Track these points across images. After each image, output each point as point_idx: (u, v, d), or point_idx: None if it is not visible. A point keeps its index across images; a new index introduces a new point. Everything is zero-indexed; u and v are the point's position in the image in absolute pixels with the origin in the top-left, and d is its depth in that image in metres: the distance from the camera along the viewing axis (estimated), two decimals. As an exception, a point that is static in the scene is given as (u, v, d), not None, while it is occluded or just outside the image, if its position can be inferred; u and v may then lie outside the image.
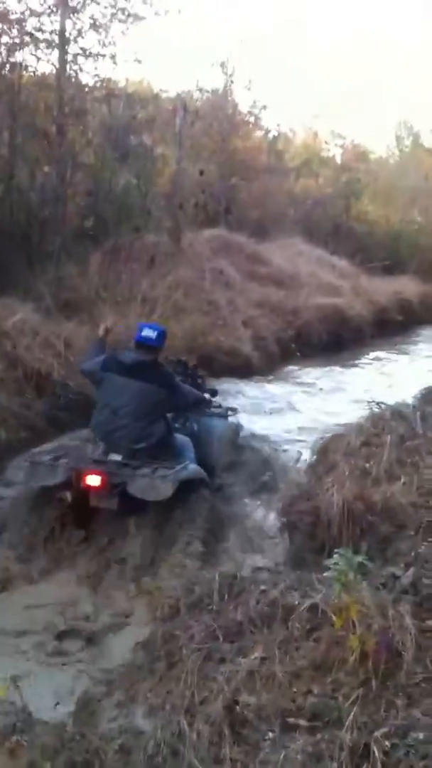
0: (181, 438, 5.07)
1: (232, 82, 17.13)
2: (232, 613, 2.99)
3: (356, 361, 11.01)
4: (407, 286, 15.17)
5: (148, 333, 4.87)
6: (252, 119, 18.65)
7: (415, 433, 5.38)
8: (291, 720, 2.36)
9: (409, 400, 7.19)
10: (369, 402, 6.44)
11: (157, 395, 4.74)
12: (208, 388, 5.85)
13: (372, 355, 11.76)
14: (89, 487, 4.34)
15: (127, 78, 14.16)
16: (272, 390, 8.51)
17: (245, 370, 8.91)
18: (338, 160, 24.39)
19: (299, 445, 6.32)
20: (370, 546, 3.97)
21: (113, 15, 10.65)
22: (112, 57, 10.62)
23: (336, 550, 2.77)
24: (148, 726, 2.54)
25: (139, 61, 11.33)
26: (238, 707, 2.44)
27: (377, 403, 6.37)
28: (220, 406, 5.81)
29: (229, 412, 5.85)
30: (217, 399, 5.83)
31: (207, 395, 5.61)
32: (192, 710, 2.46)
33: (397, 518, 4.05)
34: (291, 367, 10.01)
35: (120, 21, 10.72)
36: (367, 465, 4.63)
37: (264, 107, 18.12)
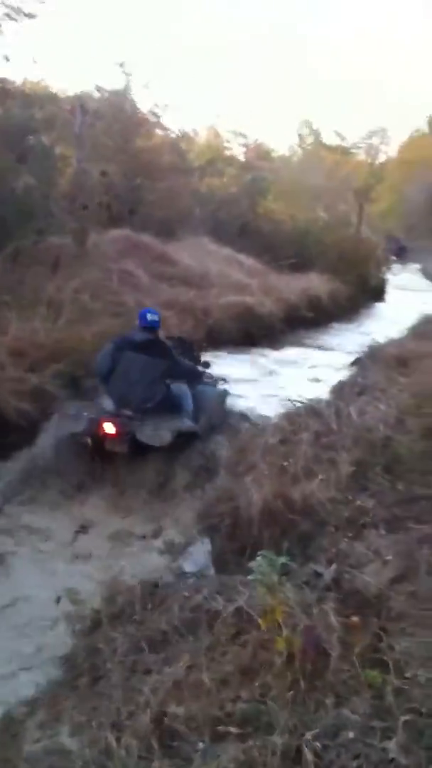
0: (182, 389, 6.23)
1: (132, 81, 17.02)
2: (156, 622, 2.94)
3: (268, 359, 11.08)
4: (316, 283, 15.35)
5: (153, 317, 6.27)
6: (153, 119, 18.54)
7: (330, 428, 5.45)
8: (221, 728, 2.32)
9: (324, 396, 7.33)
10: (288, 400, 6.52)
11: (161, 366, 6.07)
12: (202, 361, 7.15)
13: (284, 351, 11.87)
14: (106, 434, 5.61)
15: (25, 78, 13.86)
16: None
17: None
18: (242, 159, 24.63)
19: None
20: (291, 544, 3.99)
21: (6, 14, 10.43)
22: (6, 58, 10.39)
23: (259, 553, 2.74)
24: (74, 745, 2.45)
25: (35, 62, 11.11)
26: (166, 719, 2.38)
27: (291, 401, 6.45)
28: (212, 377, 7.03)
29: (220, 382, 7.10)
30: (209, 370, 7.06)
31: (200, 367, 6.95)
32: (119, 725, 2.39)
33: (316, 515, 4.08)
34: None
35: (11, 19, 10.49)
36: (286, 463, 4.66)
37: (165, 106, 18.06)
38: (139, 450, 5.60)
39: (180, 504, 5.32)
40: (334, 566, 3.41)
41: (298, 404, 6.30)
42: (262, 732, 2.24)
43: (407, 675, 2.55)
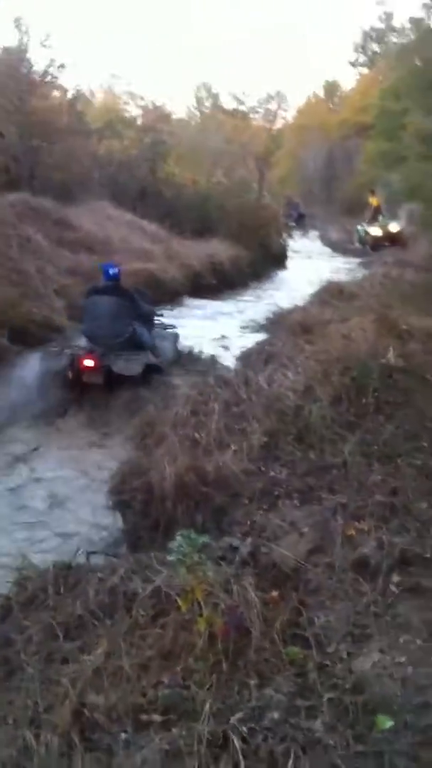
0: (144, 331, 7.15)
1: (28, 38, 16.29)
2: (71, 607, 2.82)
3: (173, 327, 10.95)
4: (218, 249, 15.24)
5: (114, 270, 7.15)
6: (49, 78, 17.82)
7: (240, 398, 5.43)
8: (144, 717, 2.25)
9: (231, 365, 7.30)
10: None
11: (124, 304, 6.96)
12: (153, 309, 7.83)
13: (189, 320, 11.76)
14: (85, 367, 6.58)
15: None
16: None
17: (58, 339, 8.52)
18: (139, 120, 24.11)
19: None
20: (205, 518, 3.95)
21: None
22: None
23: (179, 533, 2.66)
24: (-11, 744, 2.33)
25: None
26: (86, 710, 2.28)
27: (198, 371, 6.39)
28: (162, 324, 8.01)
29: (169, 327, 8.09)
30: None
31: (158, 313, 8.02)
32: (37, 721, 2.27)
33: (230, 487, 4.05)
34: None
35: None
36: (197, 435, 4.59)
37: (62, 66, 17.37)
38: (112, 382, 6.61)
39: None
40: (249, 540, 3.39)
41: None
42: (187, 719, 2.18)
43: (329, 650, 2.55)
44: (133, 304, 7.03)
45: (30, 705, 2.32)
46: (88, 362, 6.56)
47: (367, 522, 3.49)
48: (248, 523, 3.63)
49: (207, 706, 2.17)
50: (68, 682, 2.36)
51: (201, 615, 2.54)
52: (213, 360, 7.82)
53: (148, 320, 7.38)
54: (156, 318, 7.84)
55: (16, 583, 3.08)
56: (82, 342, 7.07)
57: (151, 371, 6.84)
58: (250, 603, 2.67)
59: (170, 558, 2.62)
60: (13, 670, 2.54)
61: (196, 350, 8.21)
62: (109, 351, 6.68)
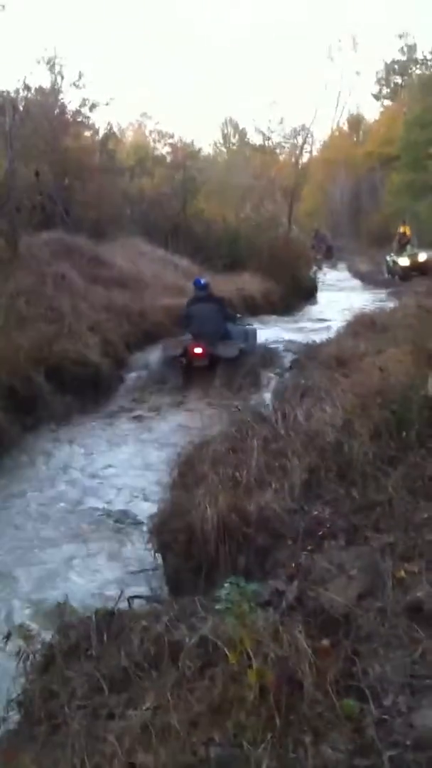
0: (234, 326, 9.80)
1: (62, 78, 16.67)
2: (115, 658, 2.72)
3: (251, 325, 10.97)
4: (249, 283, 15.31)
5: (204, 282, 9.87)
6: (81, 118, 18.17)
7: (278, 434, 5.33)
8: (195, 777, 2.14)
9: (267, 400, 7.22)
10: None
11: (216, 310, 9.48)
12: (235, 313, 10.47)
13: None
14: (194, 354, 9.01)
15: None
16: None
17: (95, 382, 8.58)
18: (168, 158, 24.39)
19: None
20: (248, 560, 3.85)
21: None
22: None
23: (228, 580, 2.57)
24: (34, 804, 2.24)
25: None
26: (135, 770, 2.19)
27: (236, 407, 6.32)
28: (242, 323, 10.59)
29: (248, 324, 10.93)
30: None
31: (238, 315, 10.66)
32: (84, 780, 2.18)
33: (273, 527, 3.94)
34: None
35: None
36: (237, 474, 4.50)
37: (94, 106, 17.71)
38: (214, 365, 8.99)
39: (241, 392, 8.49)
40: (296, 583, 3.28)
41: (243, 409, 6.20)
42: (241, 780, 2.07)
43: (386, 703, 2.42)
44: (221, 308, 9.61)
45: (76, 763, 2.22)
46: (197, 350, 9.00)
47: (417, 563, 3.36)
48: (293, 565, 3.51)
49: (263, 767, 2.06)
50: (115, 739, 2.27)
51: (250, 666, 2.43)
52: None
53: (232, 319, 9.88)
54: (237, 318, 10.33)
55: (58, 631, 2.99)
56: (186, 337, 9.44)
57: (243, 354, 9.20)
58: (301, 653, 2.56)
59: (218, 607, 2.52)
60: (58, 725, 2.45)
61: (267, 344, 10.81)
62: (210, 342, 9.03)
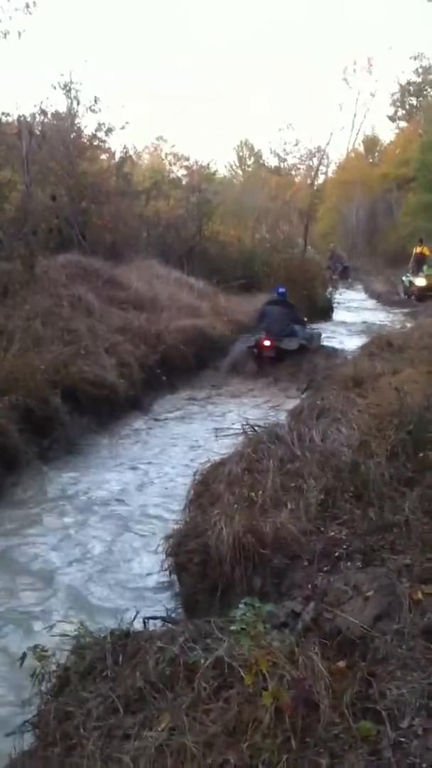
0: (301, 327, 11.73)
1: (78, 102, 16.88)
2: (131, 679, 2.72)
3: (225, 384, 10.98)
4: (265, 304, 15.38)
5: (282, 291, 12.12)
6: (97, 142, 18.37)
7: (294, 454, 5.32)
8: (211, 800, 2.13)
9: (283, 420, 7.20)
10: (243, 425, 6.38)
11: (285, 311, 11.61)
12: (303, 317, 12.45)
13: (239, 375, 11.81)
14: (264, 346, 11.01)
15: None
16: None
17: (111, 403, 8.62)
18: (184, 181, 24.56)
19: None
20: (264, 581, 3.84)
21: None
22: None
23: (243, 600, 2.57)
24: None
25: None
26: (149, 791, 2.18)
27: (252, 427, 6.31)
28: (311, 327, 12.63)
29: (315, 328, 13.11)
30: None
31: (305, 318, 12.50)
32: (99, 802, 2.18)
33: (289, 548, 3.93)
34: (157, 397, 9.92)
35: None
36: (253, 494, 4.49)
37: (110, 130, 17.90)
38: (280, 356, 11.04)
39: (303, 380, 9.86)
40: (312, 605, 3.27)
41: (259, 430, 6.19)
42: (257, 803, 2.05)
43: (402, 725, 2.40)
44: (291, 311, 11.81)
45: (92, 785, 2.22)
46: (267, 343, 11.05)
47: (434, 585, 3.34)
48: (309, 586, 3.50)
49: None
50: (130, 760, 2.27)
51: (266, 688, 2.42)
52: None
53: (300, 322, 11.84)
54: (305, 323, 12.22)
55: (73, 652, 2.99)
56: (259, 333, 11.31)
57: (303, 349, 11.22)
58: (317, 674, 2.55)
59: (233, 628, 2.51)
60: (73, 746, 2.45)
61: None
62: (278, 337, 11.06)
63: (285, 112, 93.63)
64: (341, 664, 2.70)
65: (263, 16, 77.84)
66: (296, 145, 49.58)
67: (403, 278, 22.75)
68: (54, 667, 2.93)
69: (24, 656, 2.92)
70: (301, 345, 11.18)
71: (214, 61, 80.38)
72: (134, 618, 3.32)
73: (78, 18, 68.05)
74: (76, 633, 3.09)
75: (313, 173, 42.86)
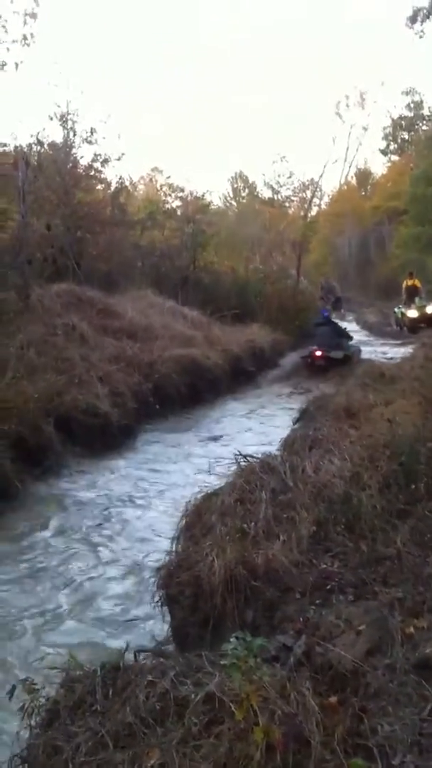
0: (347, 342, 14.81)
1: (74, 134, 17.08)
2: (120, 713, 2.68)
3: (216, 413, 10.99)
4: (258, 334, 15.48)
5: (326, 313, 15.93)
6: (93, 172, 18.57)
7: (286, 485, 5.32)
8: None
9: (275, 450, 7.20)
10: (236, 456, 6.36)
11: (331, 329, 14.67)
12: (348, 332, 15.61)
13: (230, 405, 11.86)
14: (315, 356, 13.94)
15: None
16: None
17: (103, 433, 8.60)
18: (179, 211, 24.81)
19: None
20: (255, 614, 3.81)
21: None
22: None
23: (234, 635, 2.55)
24: None
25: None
26: None
27: (244, 457, 6.30)
28: (354, 343, 15.59)
29: (355, 345, 15.63)
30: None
31: (350, 334, 15.70)
32: None
33: (281, 581, 3.91)
34: (150, 427, 9.91)
35: None
36: (245, 525, 4.48)
37: (106, 161, 18.11)
38: (329, 365, 13.30)
39: (348, 382, 9.96)
40: (303, 638, 3.25)
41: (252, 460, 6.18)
42: None
43: (394, 762, 2.38)
44: (336, 329, 14.79)
45: None
46: (318, 353, 13.68)
47: (426, 618, 3.33)
48: (301, 619, 3.48)
49: None
50: (119, 797, 2.23)
51: (257, 723, 2.40)
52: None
53: (346, 337, 14.82)
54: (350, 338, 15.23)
55: (63, 685, 2.96)
56: (312, 347, 14.05)
57: (347, 359, 13.53)
58: (308, 710, 2.53)
59: (224, 662, 2.50)
60: (61, 783, 2.42)
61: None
62: (326, 350, 13.53)
63: (279, 142, 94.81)
64: (333, 699, 2.67)
65: (259, 50, 78.89)
66: (290, 177, 50.26)
67: (396, 310, 22.91)
68: (43, 701, 2.89)
69: (14, 689, 2.89)
70: (345, 356, 13.66)
71: (211, 90, 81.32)
72: (125, 650, 3.29)
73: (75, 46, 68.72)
74: (65, 665, 3.05)
75: (306, 205, 43.38)
